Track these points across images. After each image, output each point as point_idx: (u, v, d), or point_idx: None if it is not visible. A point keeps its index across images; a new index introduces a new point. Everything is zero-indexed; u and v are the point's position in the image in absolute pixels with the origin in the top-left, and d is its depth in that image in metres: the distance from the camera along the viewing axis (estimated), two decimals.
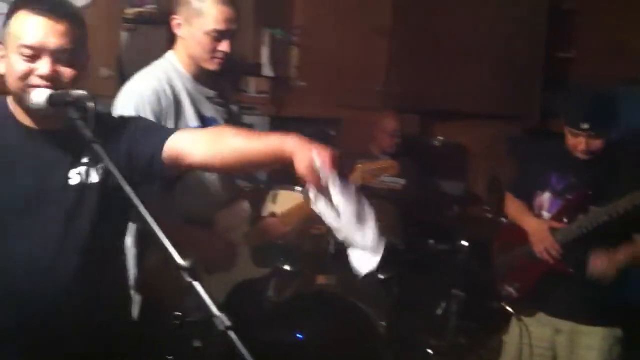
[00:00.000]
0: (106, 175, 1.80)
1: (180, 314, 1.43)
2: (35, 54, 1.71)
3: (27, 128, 1.80)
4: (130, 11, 3.96)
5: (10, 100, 1.83)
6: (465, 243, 3.66)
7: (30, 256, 1.74)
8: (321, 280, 3.61)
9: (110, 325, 1.84)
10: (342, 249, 3.88)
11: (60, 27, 1.72)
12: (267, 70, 4.32)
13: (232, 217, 2.42)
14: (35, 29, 1.71)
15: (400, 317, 3.63)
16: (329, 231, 3.55)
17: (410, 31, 4.71)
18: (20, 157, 1.79)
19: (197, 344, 1.33)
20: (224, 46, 2.32)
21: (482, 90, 4.81)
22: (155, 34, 4.01)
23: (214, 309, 1.27)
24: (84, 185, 1.79)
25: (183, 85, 2.36)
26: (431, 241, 4.19)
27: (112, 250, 1.92)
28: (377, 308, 3.41)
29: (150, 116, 2.23)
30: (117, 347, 1.82)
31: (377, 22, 4.61)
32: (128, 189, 1.48)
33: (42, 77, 1.71)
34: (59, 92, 1.69)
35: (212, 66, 2.35)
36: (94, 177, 1.81)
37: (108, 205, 1.80)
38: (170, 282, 1.73)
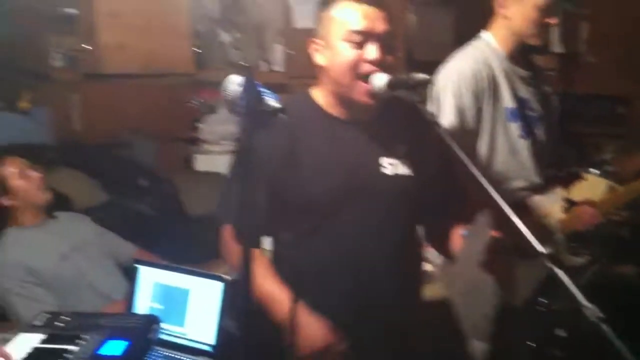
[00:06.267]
0: (419, 167, 1.83)
1: (545, 300, 1.42)
2: (363, 40, 1.75)
3: (336, 118, 1.85)
4: None
5: (316, 92, 1.88)
6: None
7: (348, 242, 1.80)
8: (621, 269, 3.43)
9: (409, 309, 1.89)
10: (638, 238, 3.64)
11: (382, 13, 1.77)
12: (556, 46, 4.14)
13: (546, 202, 2.37)
14: (362, 15, 1.75)
15: None
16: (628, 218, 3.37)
17: None
18: (332, 146, 1.83)
19: (560, 332, 1.31)
20: (552, 19, 2.32)
21: None
22: (443, 15, 4.05)
23: (582, 299, 1.25)
24: (396, 176, 1.82)
25: (500, 65, 2.34)
26: None
27: (416, 240, 1.95)
28: None
29: (469, 96, 2.25)
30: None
31: None
32: (481, 180, 1.49)
33: (372, 62, 1.74)
34: (400, 76, 1.71)
35: (537, 41, 2.34)
36: (404, 170, 1.83)
37: (420, 197, 1.83)
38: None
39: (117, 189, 3.55)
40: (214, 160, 4.03)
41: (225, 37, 4.30)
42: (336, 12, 1.79)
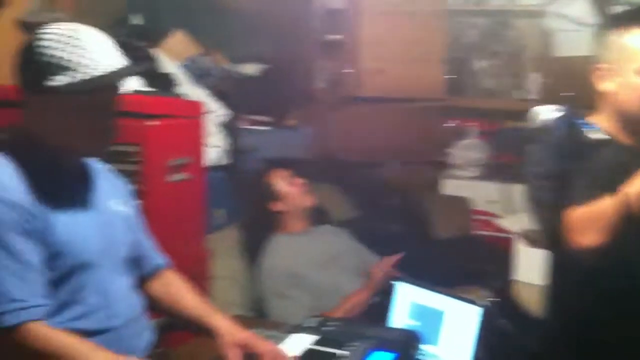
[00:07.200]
0: None
1: None
2: None
3: (626, 147, 1.79)
4: None
5: (599, 119, 1.82)
6: None
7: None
8: None
9: None
10: None
11: None
12: None
13: None
14: None
15: None
16: None
17: None
18: (623, 175, 1.73)
19: None
20: None
21: None
22: None
23: None
24: None
25: None
26: None
27: None
28: None
29: None
30: None
31: None
32: None
33: None
34: None
35: None
36: None
37: None
38: None
39: (367, 206, 3.72)
40: (461, 185, 4.08)
41: (479, 64, 4.33)
42: (630, 41, 1.74)
